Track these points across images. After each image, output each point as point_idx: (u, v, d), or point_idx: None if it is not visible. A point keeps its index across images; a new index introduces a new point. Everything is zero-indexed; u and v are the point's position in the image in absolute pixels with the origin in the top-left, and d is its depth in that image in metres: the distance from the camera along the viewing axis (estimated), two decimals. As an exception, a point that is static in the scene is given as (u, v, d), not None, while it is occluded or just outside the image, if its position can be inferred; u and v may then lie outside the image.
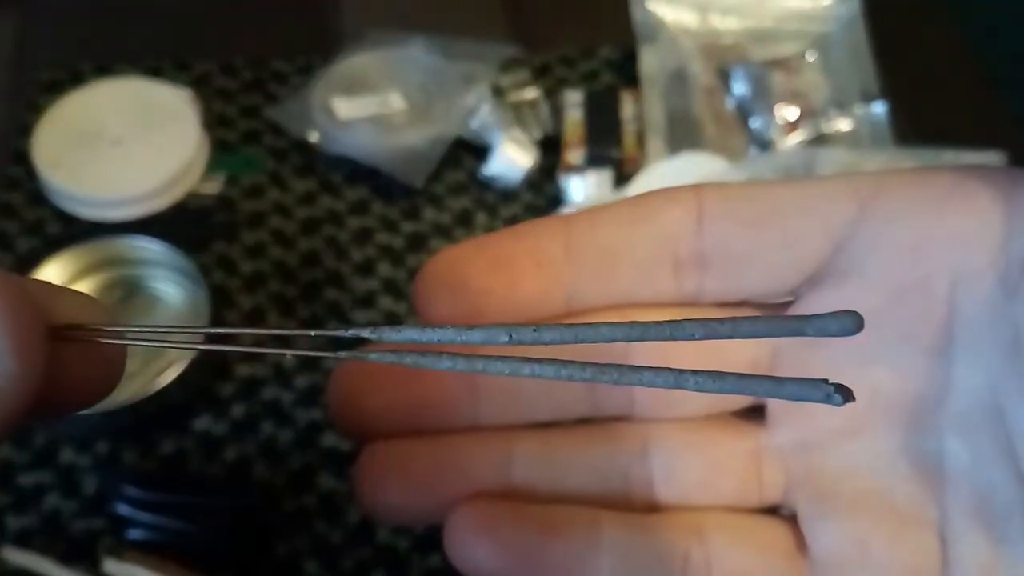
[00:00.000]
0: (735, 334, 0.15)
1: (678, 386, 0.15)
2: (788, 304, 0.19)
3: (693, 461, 0.19)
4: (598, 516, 0.19)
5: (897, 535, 0.18)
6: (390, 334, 0.15)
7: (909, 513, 0.18)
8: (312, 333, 0.16)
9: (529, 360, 0.15)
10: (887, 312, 0.18)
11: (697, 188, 0.19)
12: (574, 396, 0.19)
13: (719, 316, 0.19)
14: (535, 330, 0.15)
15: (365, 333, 0.15)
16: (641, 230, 0.19)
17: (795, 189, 0.19)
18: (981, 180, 0.18)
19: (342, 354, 0.15)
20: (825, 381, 0.14)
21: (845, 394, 0.14)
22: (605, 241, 0.19)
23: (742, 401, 0.20)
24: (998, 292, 0.17)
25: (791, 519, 0.20)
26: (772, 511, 0.20)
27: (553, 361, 0.15)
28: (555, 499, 0.19)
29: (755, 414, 0.20)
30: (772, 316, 0.15)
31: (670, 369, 0.14)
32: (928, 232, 0.18)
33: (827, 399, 0.14)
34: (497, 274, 0.19)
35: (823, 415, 0.19)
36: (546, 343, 0.15)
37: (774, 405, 0.20)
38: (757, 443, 0.20)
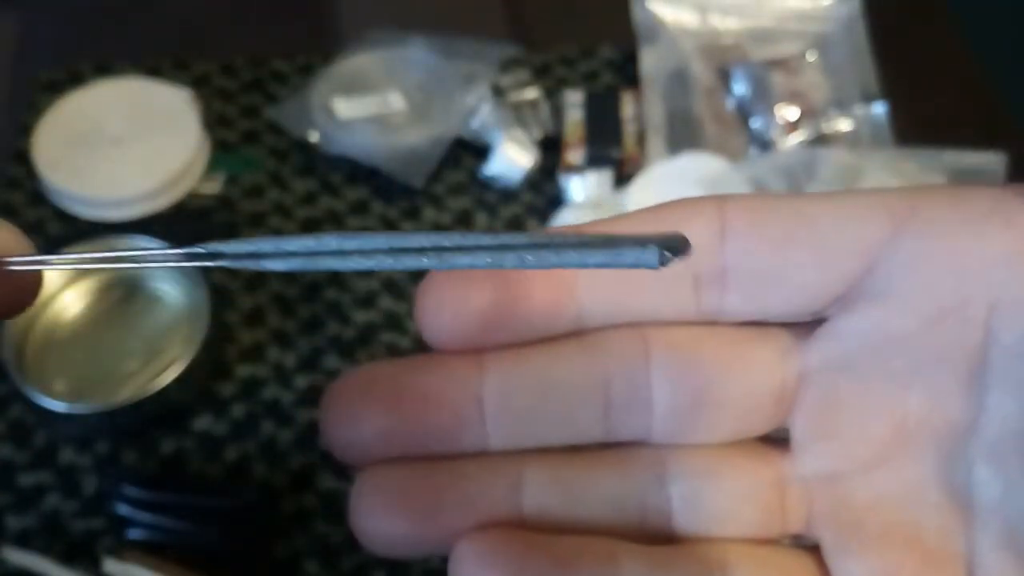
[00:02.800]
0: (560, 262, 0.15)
1: (498, 264, 0.14)
2: (818, 323, 0.19)
3: (714, 490, 0.19)
4: (615, 548, 0.18)
5: (925, 569, 0.18)
6: (236, 247, 0.16)
7: (937, 546, 0.18)
8: (154, 253, 0.17)
9: (363, 252, 0.15)
10: (921, 336, 0.18)
11: (720, 199, 0.18)
12: (588, 419, 0.18)
13: (741, 334, 0.18)
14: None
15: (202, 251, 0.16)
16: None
17: (825, 204, 0.18)
18: (1022, 201, 0.17)
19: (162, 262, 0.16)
20: (658, 246, 0.14)
21: (677, 250, 0.14)
22: None
23: (762, 428, 0.19)
24: None
25: (814, 550, 0.19)
26: (795, 540, 0.20)
27: (386, 250, 0.15)
28: (568, 529, 0.18)
29: (778, 441, 0.19)
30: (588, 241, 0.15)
31: (492, 247, 0.14)
32: (966, 254, 0.17)
33: (661, 261, 0.14)
34: (503, 289, 0.18)
35: (850, 443, 0.18)
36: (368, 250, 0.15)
37: (799, 432, 0.19)
38: (781, 472, 0.19)
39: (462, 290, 0.18)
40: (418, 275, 0.57)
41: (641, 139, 0.61)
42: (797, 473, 0.19)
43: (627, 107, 0.62)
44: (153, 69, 0.65)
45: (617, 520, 0.18)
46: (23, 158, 0.59)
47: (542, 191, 0.60)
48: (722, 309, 0.18)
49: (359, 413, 0.18)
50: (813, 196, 0.18)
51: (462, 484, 0.18)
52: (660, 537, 0.19)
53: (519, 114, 0.62)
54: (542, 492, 0.18)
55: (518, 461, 0.18)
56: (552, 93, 0.64)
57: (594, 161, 0.60)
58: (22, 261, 0.17)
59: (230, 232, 0.59)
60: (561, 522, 0.18)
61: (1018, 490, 0.17)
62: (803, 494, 0.19)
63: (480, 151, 0.61)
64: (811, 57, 0.65)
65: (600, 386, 0.18)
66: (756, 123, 0.62)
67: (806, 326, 0.19)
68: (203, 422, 0.52)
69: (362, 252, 0.15)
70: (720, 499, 0.19)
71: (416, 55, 0.64)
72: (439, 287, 0.18)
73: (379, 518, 0.18)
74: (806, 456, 0.19)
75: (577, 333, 0.19)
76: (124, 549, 0.46)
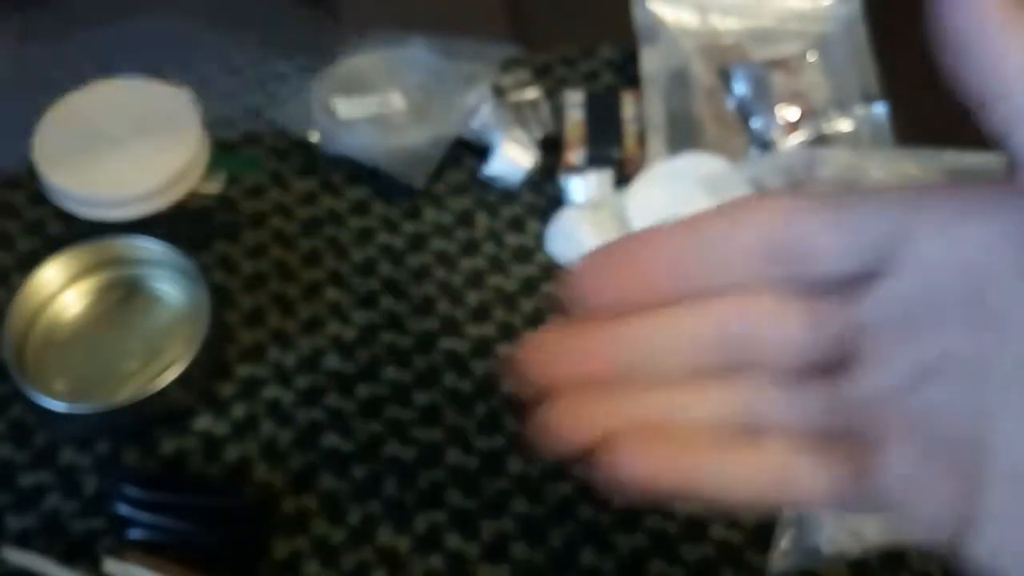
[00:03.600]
0: None
1: None
2: (867, 282, 0.23)
3: (791, 401, 0.25)
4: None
5: (949, 462, 0.22)
6: None
7: (961, 452, 0.22)
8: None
9: None
10: (943, 294, 0.22)
11: (775, 196, 0.24)
12: (704, 358, 0.25)
13: (802, 295, 0.24)
14: None
15: None
16: (742, 230, 0.24)
17: (857, 197, 0.24)
18: (1011, 190, 0.22)
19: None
20: None
21: None
22: (714, 238, 0.25)
23: (826, 356, 0.24)
24: None
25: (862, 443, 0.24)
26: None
27: None
28: (689, 430, 0.25)
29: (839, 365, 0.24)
30: None
31: None
32: (967, 233, 0.22)
33: None
34: (628, 271, 0.25)
35: (897, 369, 0.23)
36: None
37: (858, 360, 0.24)
38: (838, 390, 0.24)
39: (599, 273, 0.25)
40: (419, 274, 0.57)
41: (641, 139, 0.61)
42: (857, 387, 0.24)
43: (627, 107, 0.62)
44: (153, 69, 0.65)
45: (726, 425, 0.25)
46: (23, 158, 0.59)
47: (543, 191, 0.60)
48: (788, 277, 0.24)
49: (549, 363, 0.25)
50: (855, 191, 0.24)
51: (613, 406, 0.25)
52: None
53: (519, 114, 0.62)
54: (675, 409, 0.25)
55: (656, 388, 0.25)
56: (552, 93, 0.64)
57: (595, 161, 0.60)
58: None
59: (231, 232, 0.59)
60: (688, 429, 0.25)
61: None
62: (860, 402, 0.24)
63: (481, 151, 0.61)
64: (811, 57, 0.65)
65: (713, 331, 0.25)
66: (756, 123, 0.62)
67: (858, 284, 0.24)
68: (203, 422, 0.52)
69: None
70: (796, 405, 0.25)
71: (416, 55, 0.64)
72: (587, 272, 0.25)
73: (563, 434, 0.24)
74: (864, 377, 0.24)
75: (685, 301, 0.25)
76: (124, 549, 0.46)
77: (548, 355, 0.25)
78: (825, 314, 0.24)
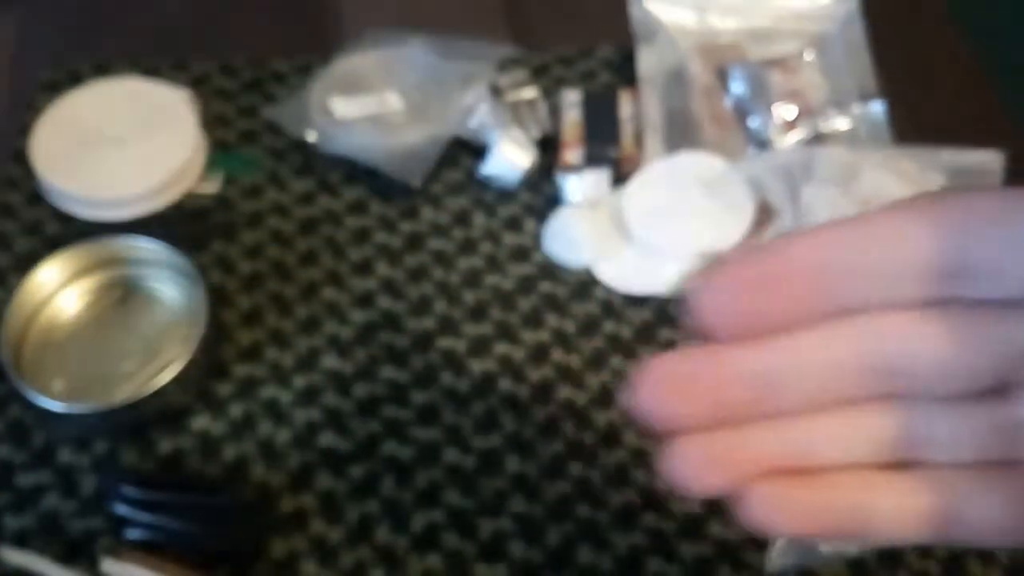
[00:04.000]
0: None
1: None
2: None
3: (950, 428, 0.23)
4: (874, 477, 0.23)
5: None
6: None
7: None
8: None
9: None
10: None
11: (940, 201, 0.22)
12: (849, 383, 0.23)
13: (964, 316, 0.22)
14: None
15: None
16: (901, 240, 0.22)
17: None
18: None
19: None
20: None
21: None
22: (858, 254, 0.22)
23: (991, 384, 0.22)
24: None
25: None
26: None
27: None
28: (838, 468, 0.23)
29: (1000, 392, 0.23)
30: None
31: None
32: None
33: None
34: (759, 287, 0.22)
35: None
36: None
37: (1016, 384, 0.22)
38: (1009, 412, 0.23)
39: (730, 294, 0.22)
40: (416, 274, 0.57)
41: (639, 138, 0.61)
42: (1021, 412, 0.22)
43: (625, 107, 0.62)
44: (152, 69, 0.65)
45: (876, 458, 0.23)
46: (22, 158, 0.59)
47: (540, 191, 0.60)
48: (951, 294, 0.22)
49: (669, 398, 0.22)
50: (1013, 195, 0.21)
51: (751, 445, 0.22)
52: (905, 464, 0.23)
53: (517, 114, 0.62)
54: (820, 442, 0.23)
55: (797, 419, 0.23)
56: (550, 93, 0.64)
57: (592, 160, 0.60)
58: None
59: (229, 232, 0.59)
60: (834, 464, 0.23)
61: None
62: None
63: (478, 151, 0.61)
64: (809, 56, 0.65)
65: (861, 354, 0.22)
66: (754, 122, 0.62)
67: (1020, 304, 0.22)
68: (201, 422, 0.52)
69: None
70: (956, 432, 0.23)
71: (414, 55, 0.64)
72: (715, 292, 0.22)
73: (693, 478, 0.22)
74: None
75: (837, 315, 0.22)
76: (122, 549, 0.46)
77: (669, 387, 0.22)
78: (991, 336, 0.22)
